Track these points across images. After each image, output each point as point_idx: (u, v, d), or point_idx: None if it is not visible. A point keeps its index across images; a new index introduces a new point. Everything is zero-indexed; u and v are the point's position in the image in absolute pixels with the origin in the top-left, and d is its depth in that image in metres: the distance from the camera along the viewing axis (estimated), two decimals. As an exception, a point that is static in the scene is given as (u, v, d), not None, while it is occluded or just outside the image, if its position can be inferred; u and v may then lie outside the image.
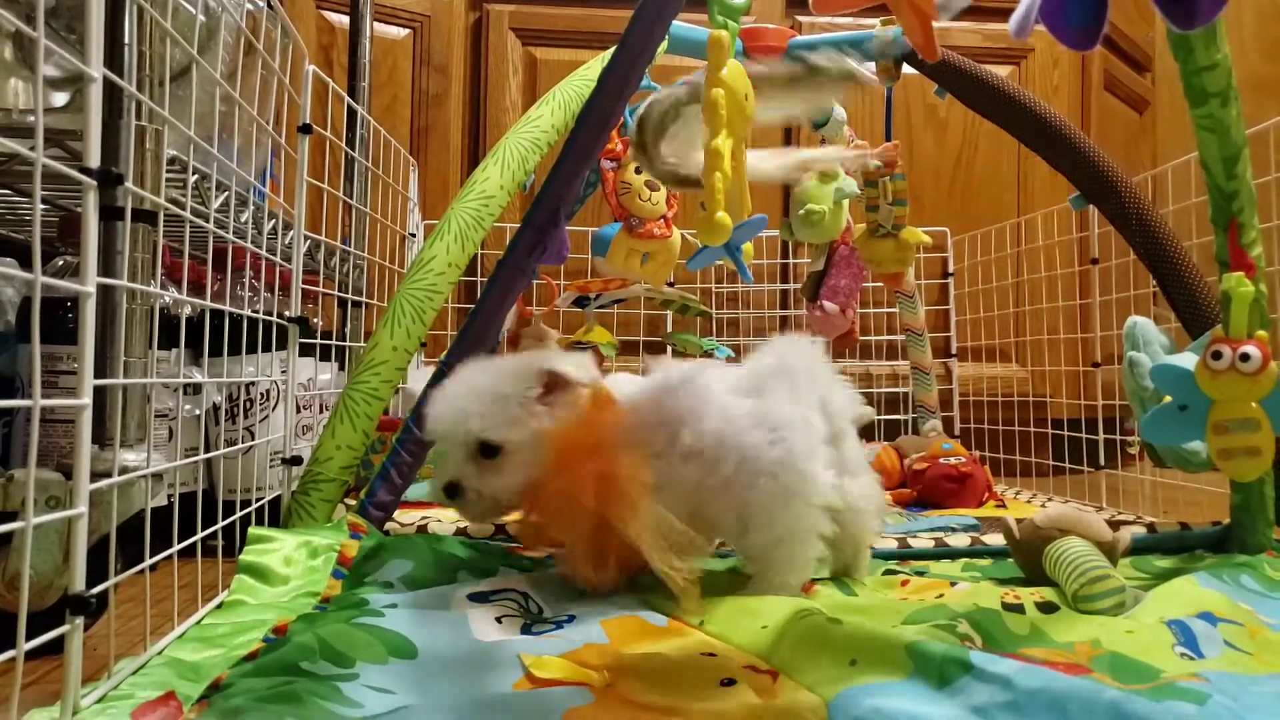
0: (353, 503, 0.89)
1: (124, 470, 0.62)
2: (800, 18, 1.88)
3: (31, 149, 0.44)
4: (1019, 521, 0.80)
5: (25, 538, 0.46)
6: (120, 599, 0.68)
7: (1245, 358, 0.72)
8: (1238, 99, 0.80)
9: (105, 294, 0.63)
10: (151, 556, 0.63)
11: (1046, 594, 0.70)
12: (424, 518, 0.99)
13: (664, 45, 1.16)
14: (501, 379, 0.72)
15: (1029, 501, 1.35)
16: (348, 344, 1.23)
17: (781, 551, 0.71)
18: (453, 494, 0.71)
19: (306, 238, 0.94)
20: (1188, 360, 0.76)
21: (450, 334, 1.59)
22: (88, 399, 0.49)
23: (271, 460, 0.99)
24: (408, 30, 1.83)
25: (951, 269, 1.83)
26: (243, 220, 0.88)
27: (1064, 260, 1.60)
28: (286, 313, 0.90)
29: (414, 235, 1.49)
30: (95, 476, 0.52)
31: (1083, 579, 0.68)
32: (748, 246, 1.23)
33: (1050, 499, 1.36)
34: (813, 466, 0.71)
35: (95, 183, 0.49)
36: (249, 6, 0.99)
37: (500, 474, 0.70)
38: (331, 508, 0.88)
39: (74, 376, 0.54)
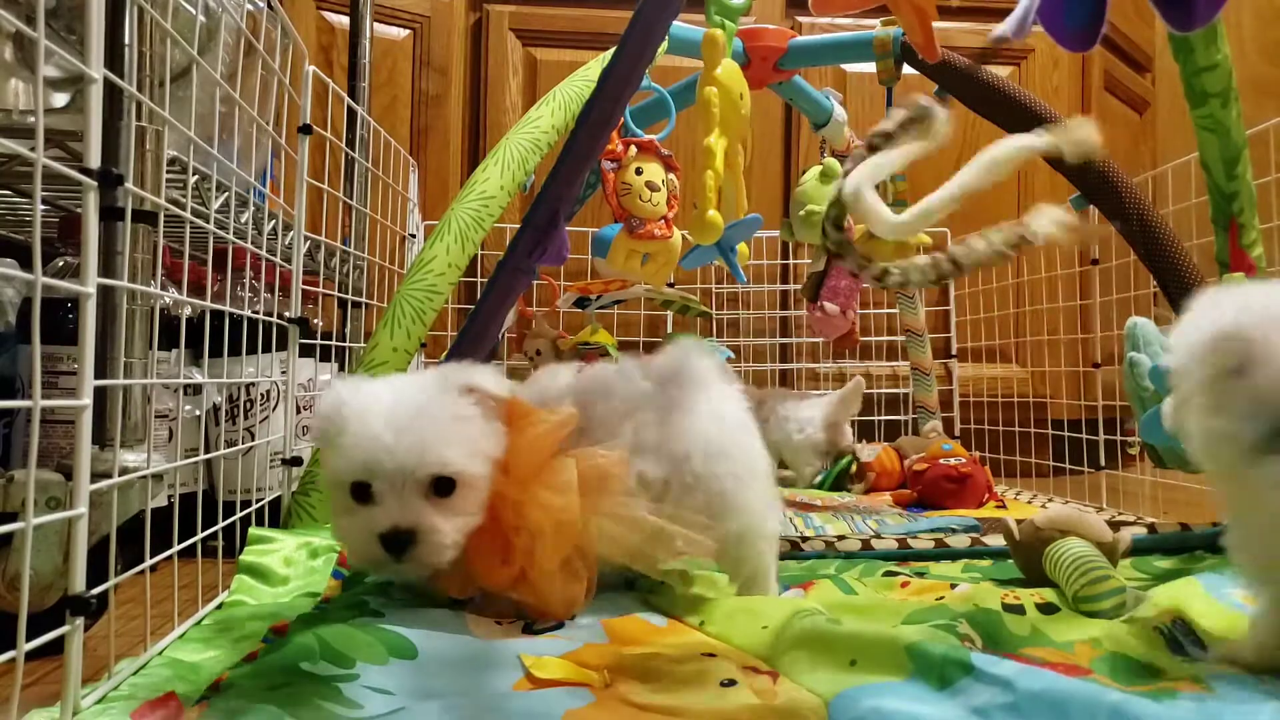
0: (353, 503, 0.88)
1: (124, 471, 0.62)
2: (800, 18, 1.88)
3: (32, 150, 0.44)
4: (1019, 522, 0.80)
5: (25, 538, 0.46)
6: (120, 599, 0.68)
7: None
8: (1238, 100, 0.80)
9: (105, 295, 0.64)
10: (151, 557, 0.63)
11: (1046, 595, 0.69)
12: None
13: (663, 46, 1.16)
14: (446, 398, 0.62)
15: (1029, 502, 1.35)
16: (348, 344, 1.23)
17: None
18: (404, 545, 0.59)
19: (306, 238, 0.94)
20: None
21: (450, 334, 1.59)
22: (88, 400, 0.49)
23: (271, 461, 0.99)
24: (408, 31, 1.83)
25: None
26: (243, 221, 0.88)
27: (1064, 261, 1.60)
28: (286, 313, 0.90)
29: (414, 236, 1.49)
30: (95, 477, 0.52)
31: (1083, 580, 0.68)
32: (743, 247, 1.23)
33: (1050, 500, 1.36)
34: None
35: (95, 183, 0.49)
36: (249, 7, 0.99)
37: (460, 513, 0.60)
38: (331, 508, 0.88)
39: (74, 377, 0.54)
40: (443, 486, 0.60)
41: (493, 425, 0.63)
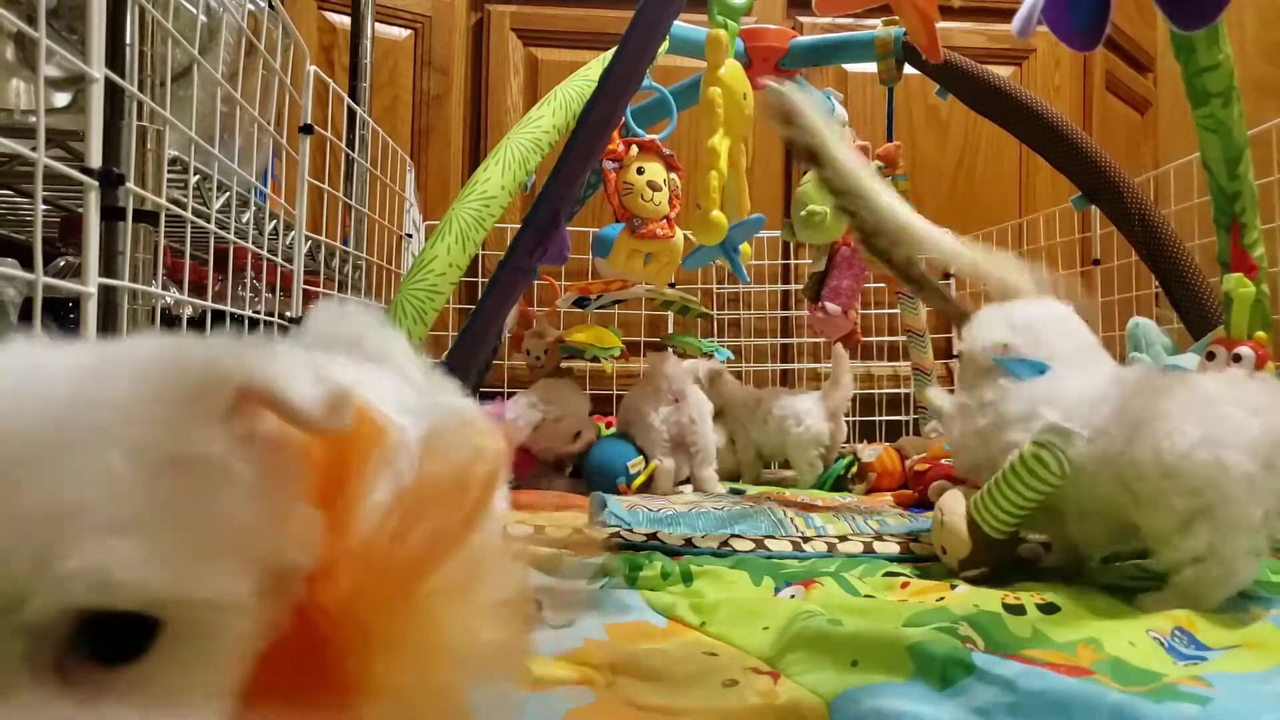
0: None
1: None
2: (801, 18, 1.88)
3: (33, 149, 0.44)
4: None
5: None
6: (121, 599, 0.67)
7: (1238, 358, 0.72)
8: (1239, 99, 0.80)
9: (106, 294, 0.63)
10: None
11: (1047, 596, 0.69)
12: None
13: (664, 45, 1.16)
14: (155, 413, 0.23)
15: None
16: (349, 344, 1.23)
17: None
18: None
19: (307, 238, 0.94)
20: (1189, 361, 0.76)
21: (451, 334, 1.59)
22: (89, 399, 0.49)
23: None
24: (409, 31, 1.83)
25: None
26: (244, 221, 0.88)
27: (1066, 261, 1.60)
28: (288, 313, 0.90)
29: (410, 236, 1.49)
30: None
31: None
32: (745, 247, 1.23)
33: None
34: None
35: (97, 183, 0.49)
36: (250, 7, 0.99)
37: (171, 697, 0.23)
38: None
39: (75, 377, 0.54)
40: (120, 639, 0.22)
41: (293, 488, 0.26)
